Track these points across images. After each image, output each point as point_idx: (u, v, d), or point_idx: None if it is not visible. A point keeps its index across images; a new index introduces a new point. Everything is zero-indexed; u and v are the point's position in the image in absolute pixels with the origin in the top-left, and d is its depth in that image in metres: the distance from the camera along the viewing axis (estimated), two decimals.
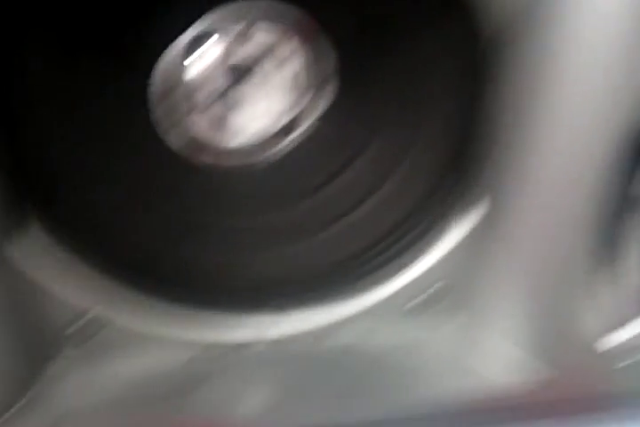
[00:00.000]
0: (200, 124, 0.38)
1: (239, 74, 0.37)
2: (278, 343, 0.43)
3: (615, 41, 0.32)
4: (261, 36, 0.36)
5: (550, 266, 0.39)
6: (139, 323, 0.41)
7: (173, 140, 0.38)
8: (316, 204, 0.41)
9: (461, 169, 0.41)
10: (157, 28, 0.35)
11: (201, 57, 0.36)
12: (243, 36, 0.36)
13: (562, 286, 0.40)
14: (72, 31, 0.34)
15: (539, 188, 0.37)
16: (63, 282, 0.39)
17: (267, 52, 0.37)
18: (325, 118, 0.39)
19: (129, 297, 0.41)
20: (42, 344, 0.40)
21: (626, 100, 0.33)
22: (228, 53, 0.36)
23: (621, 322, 0.41)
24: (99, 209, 0.39)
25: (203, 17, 0.35)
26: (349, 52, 0.37)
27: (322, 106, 0.39)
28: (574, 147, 0.35)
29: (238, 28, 0.36)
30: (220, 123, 0.38)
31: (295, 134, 0.39)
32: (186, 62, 0.36)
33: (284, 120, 0.39)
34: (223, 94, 0.37)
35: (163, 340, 0.42)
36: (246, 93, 0.37)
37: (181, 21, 0.35)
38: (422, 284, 0.43)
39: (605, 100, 0.34)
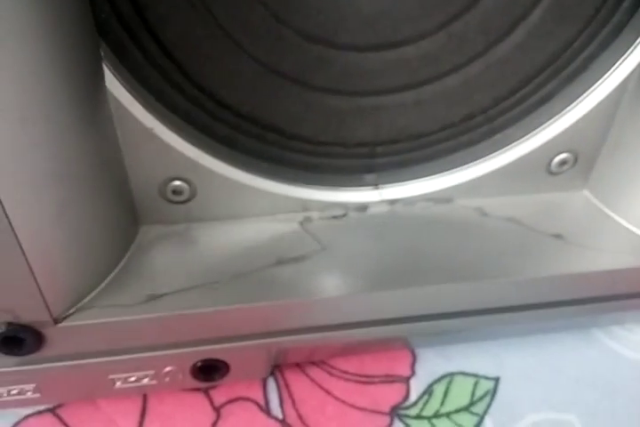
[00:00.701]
0: None
1: None
2: (404, 203, 0.41)
3: None
4: None
5: None
6: (247, 184, 0.38)
7: None
8: (447, 41, 0.36)
9: (616, 8, 0.36)
10: None
11: None
12: None
13: None
14: None
15: None
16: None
17: None
18: None
19: (236, 161, 0.38)
20: (137, 207, 0.38)
21: None
22: None
23: None
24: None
25: None
26: None
27: None
28: None
29: None
30: None
31: None
32: None
33: None
34: None
35: (276, 197, 0.39)
36: None
37: None
38: (558, 145, 0.40)
39: None
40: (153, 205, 0.38)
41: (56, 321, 0.32)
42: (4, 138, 0.26)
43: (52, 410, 0.40)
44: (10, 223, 0.28)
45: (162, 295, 0.34)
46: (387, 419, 0.41)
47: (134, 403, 0.41)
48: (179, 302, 0.34)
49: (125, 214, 0.37)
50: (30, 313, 0.32)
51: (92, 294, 0.34)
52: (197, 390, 0.42)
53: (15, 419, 0.40)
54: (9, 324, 0.32)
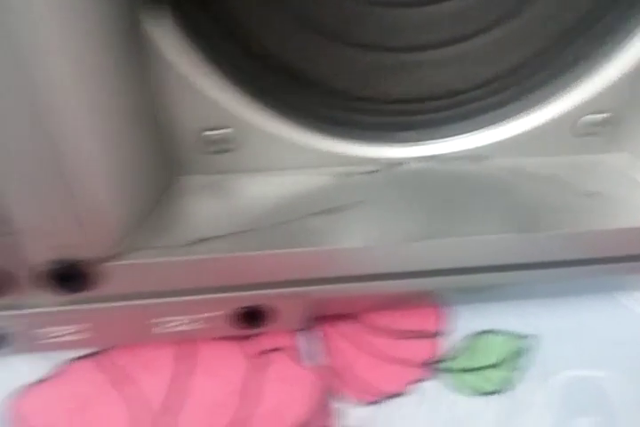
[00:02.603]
0: None
1: None
2: (440, 160, 0.41)
3: None
4: None
5: None
6: (285, 136, 0.39)
7: None
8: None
9: None
10: None
11: None
12: None
13: None
14: None
15: None
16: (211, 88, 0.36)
17: None
18: None
19: (275, 113, 0.39)
20: (175, 155, 0.38)
21: None
22: None
23: None
24: None
25: None
26: None
27: None
28: None
29: None
30: None
31: None
32: None
33: None
34: None
35: (314, 151, 0.40)
36: None
37: None
38: (590, 106, 0.40)
39: None
40: (191, 153, 0.39)
41: (104, 260, 0.33)
42: (64, 71, 0.27)
43: (92, 355, 0.41)
44: (60, 155, 0.29)
45: (207, 239, 0.35)
46: (420, 372, 0.42)
47: (169, 350, 0.42)
48: (224, 245, 0.35)
49: (162, 159, 0.37)
50: (80, 251, 0.33)
51: (137, 234, 0.35)
52: (232, 338, 0.43)
53: (57, 362, 0.41)
54: (60, 261, 0.33)
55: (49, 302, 0.36)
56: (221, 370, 0.41)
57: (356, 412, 0.40)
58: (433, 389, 0.41)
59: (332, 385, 0.41)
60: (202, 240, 0.35)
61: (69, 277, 0.33)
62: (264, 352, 0.42)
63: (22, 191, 0.29)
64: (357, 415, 0.40)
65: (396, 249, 0.37)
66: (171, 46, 0.35)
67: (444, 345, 0.43)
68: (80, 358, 0.41)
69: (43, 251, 0.32)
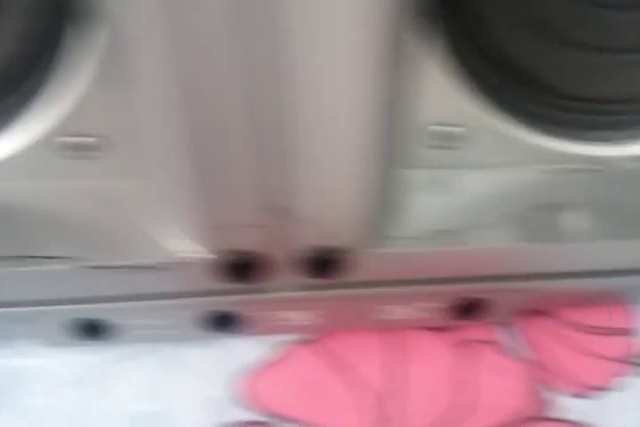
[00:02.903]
0: None
1: None
2: None
3: None
4: None
5: None
6: (511, 135, 0.40)
7: None
8: None
9: None
10: None
11: None
12: None
13: None
14: None
15: None
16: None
17: None
18: None
19: (502, 112, 0.39)
20: (401, 143, 0.39)
21: None
22: None
23: None
24: None
25: None
26: None
27: None
28: None
29: None
30: None
31: None
32: None
33: None
34: None
35: (537, 149, 0.40)
36: None
37: None
38: None
39: None
40: (414, 147, 0.40)
41: (358, 248, 0.35)
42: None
43: (308, 340, 0.43)
44: (336, 155, 0.31)
45: (444, 231, 0.37)
46: (621, 367, 0.43)
47: (378, 337, 0.43)
48: (460, 238, 0.36)
49: (390, 152, 0.39)
50: (337, 239, 0.34)
51: (379, 225, 0.36)
52: (433, 329, 0.44)
53: (272, 345, 0.43)
54: (320, 249, 0.34)
55: (291, 288, 0.38)
56: (431, 359, 0.43)
57: (568, 404, 0.41)
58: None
59: (542, 377, 0.42)
60: (440, 232, 0.37)
61: (325, 263, 0.35)
62: (468, 344, 0.44)
63: (307, 187, 0.31)
64: (570, 408, 0.41)
65: (611, 246, 0.39)
66: (417, 43, 0.36)
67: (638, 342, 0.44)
68: (297, 342, 0.43)
69: (307, 239, 0.34)
